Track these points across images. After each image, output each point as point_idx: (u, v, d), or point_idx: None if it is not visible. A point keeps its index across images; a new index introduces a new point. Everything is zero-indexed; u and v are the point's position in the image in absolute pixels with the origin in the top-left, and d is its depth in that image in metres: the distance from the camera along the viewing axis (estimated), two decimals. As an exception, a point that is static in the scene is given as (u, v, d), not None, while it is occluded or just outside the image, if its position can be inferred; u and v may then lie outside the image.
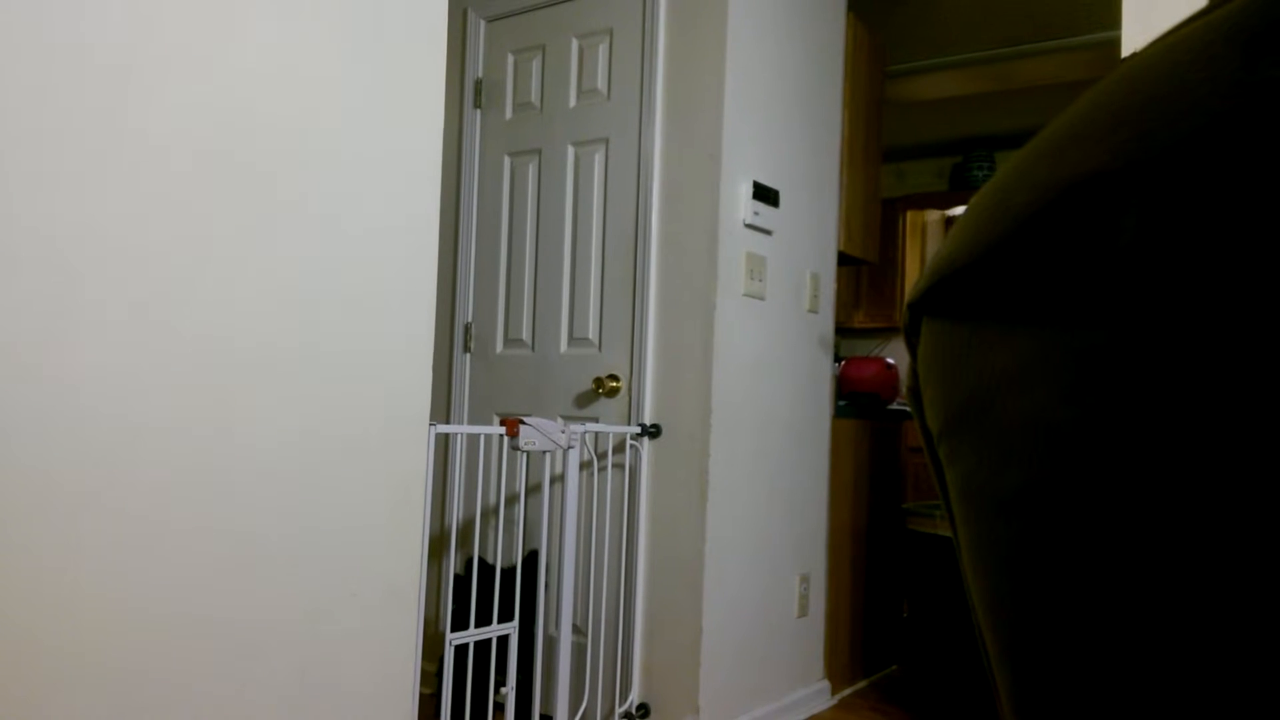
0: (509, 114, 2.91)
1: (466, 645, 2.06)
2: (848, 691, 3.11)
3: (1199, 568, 0.19)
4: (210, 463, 1.31)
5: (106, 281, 1.20)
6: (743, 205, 2.57)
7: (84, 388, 1.17)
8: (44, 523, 1.13)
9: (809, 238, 2.90)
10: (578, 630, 2.59)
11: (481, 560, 2.38)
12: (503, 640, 2.12)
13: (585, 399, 2.66)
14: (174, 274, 1.27)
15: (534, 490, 2.73)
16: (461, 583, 2.30)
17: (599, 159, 2.69)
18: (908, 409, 3.72)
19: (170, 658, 1.27)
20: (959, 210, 5.56)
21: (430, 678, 2.49)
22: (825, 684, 2.98)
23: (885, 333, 5.68)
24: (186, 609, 1.28)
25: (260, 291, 1.37)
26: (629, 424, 2.55)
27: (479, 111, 2.98)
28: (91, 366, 1.18)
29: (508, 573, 2.31)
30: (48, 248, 1.14)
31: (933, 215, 5.69)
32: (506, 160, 2.91)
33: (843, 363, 3.83)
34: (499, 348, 2.88)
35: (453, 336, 2.98)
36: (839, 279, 3.22)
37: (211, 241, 1.31)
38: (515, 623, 2.12)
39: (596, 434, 2.56)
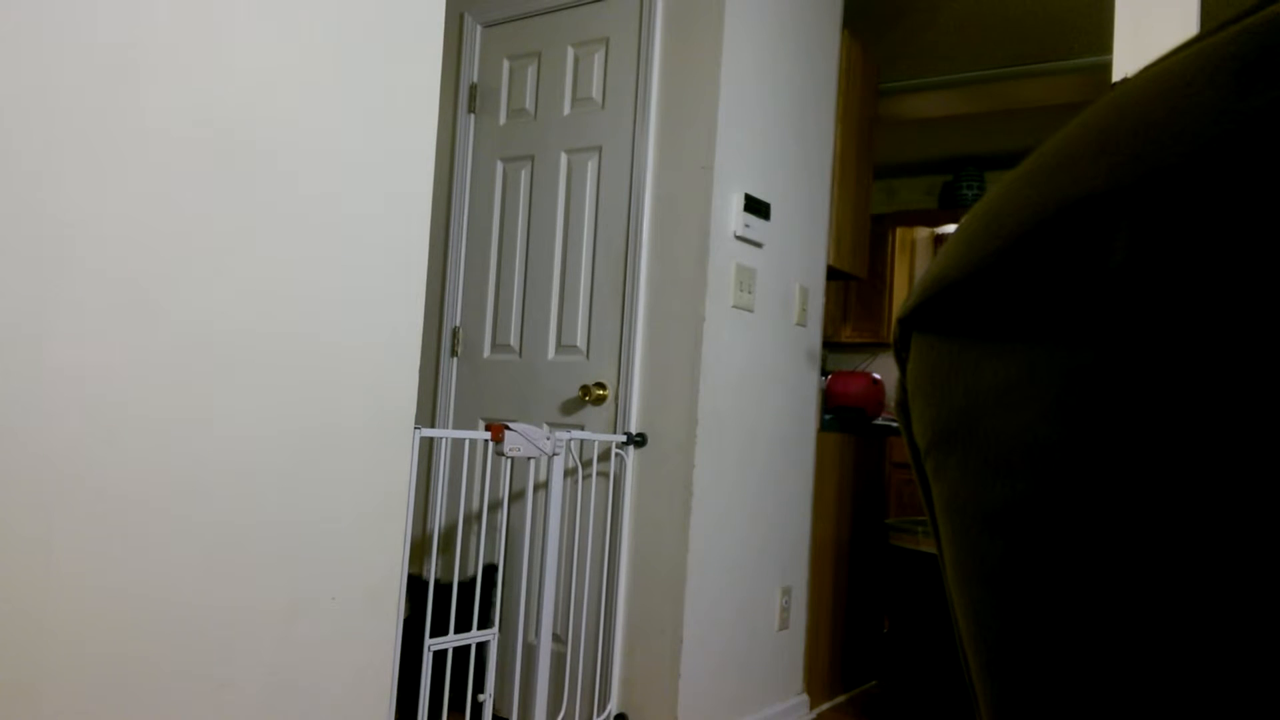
0: (503, 119, 2.91)
1: (445, 651, 2.05)
2: (826, 706, 3.11)
3: (1180, 585, 0.19)
4: (191, 456, 1.30)
5: (93, 274, 1.19)
6: (734, 217, 2.58)
7: (68, 379, 1.16)
8: (29, 511, 1.12)
9: (799, 251, 2.91)
10: (557, 638, 2.58)
11: (417, 578, 2.37)
12: (460, 648, 2.11)
13: (571, 406, 2.66)
14: (161, 268, 1.26)
15: (518, 497, 2.72)
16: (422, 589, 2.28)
17: (592, 167, 2.69)
18: (893, 424, 3.73)
19: (151, 649, 1.26)
20: (948, 228, 5.60)
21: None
22: (804, 698, 2.97)
23: (872, 348, 5.70)
24: (166, 601, 1.27)
25: (246, 288, 1.36)
26: (615, 432, 2.55)
27: (473, 116, 2.98)
28: (76, 358, 1.17)
29: (466, 585, 2.29)
30: (35, 239, 1.13)
31: (922, 232, 5.72)
32: (499, 165, 2.91)
33: (829, 377, 3.84)
34: (486, 352, 2.88)
35: (440, 340, 2.97)
36: (827, 293, 3.24)
37: (202, 237, 1.30)
38: (495, 629, 2.11)
39: (582, 442, 2.55)
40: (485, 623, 2.27)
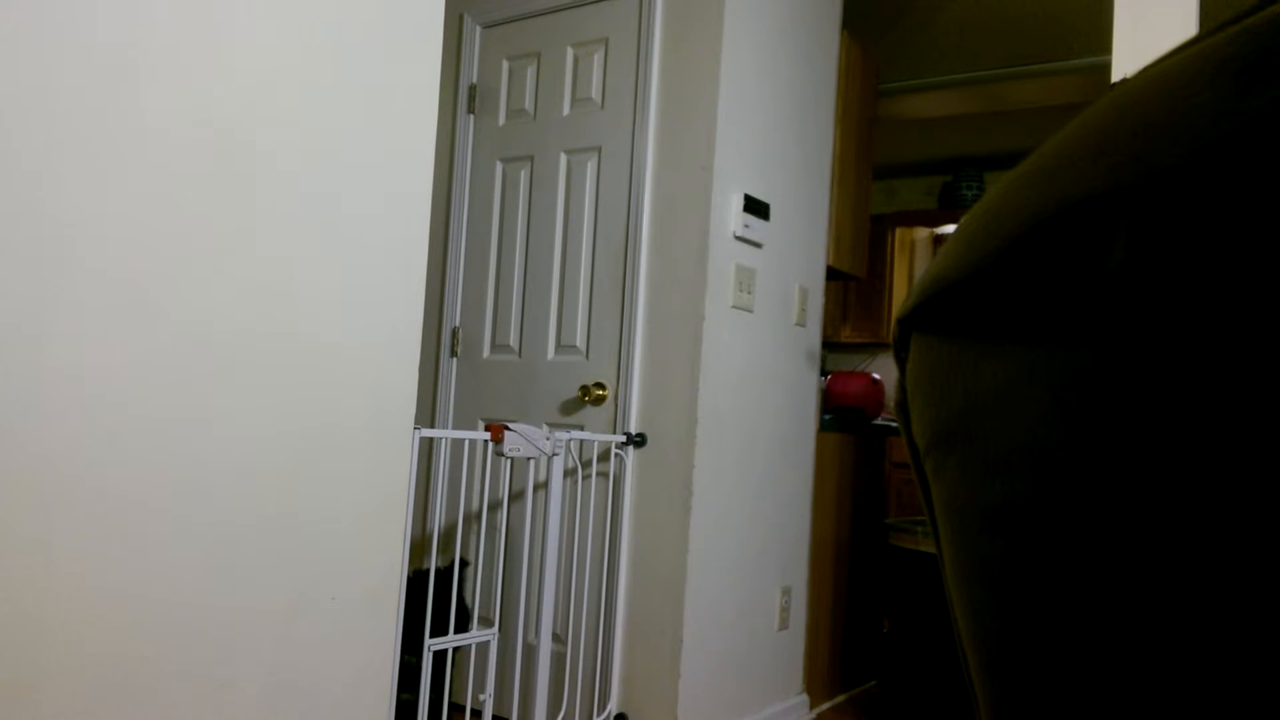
0: (502, 120, 2.91)
1: (445, 651, 2.05)
2: (826, 706, 3.11)
3: (1178, 586, 0.19)
4: (191, 456, 1.30)
5: (93, 274, 1.19)
6: (733, 217, 2.58)
7: (68, 379, 1.16)
8: (29, 511, 1.12)
9: (798, 251, 2.91)
10: (557, 638, 2.58)
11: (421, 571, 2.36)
12: (439, 651, 2.10)
13: (571, 406, 2.66)
14: (162, 268, 1.26)
15: (517, 497, 2.72)
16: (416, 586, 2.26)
17: (591, 167, 2.69)
18: (892, 424, 3.73)
19: (151, 649, 1.26)
20: (948, 228, 5.60)
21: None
22: (804, 698, 2.97)
23: (872, 348, 5.70)
24: (166, 601, 1.27)
25: (246, 288, 1.36)
26: (614, 432, 2.55)
27: (472, 116, 2.98)
28: (76, 358, 1.17)
29: (442, 574, 2.26)
30: (35, 239, 1.13)
31: (921, 233, 5.72)
32: (498, 166, 2.91)
33: (829, 377, 3.84)
34: (486, 353, 2.88)
35: (440, 340, 2.97)
36: (827, 293, 3.24)
37: (202, 237, 1.30)
38: (495, 629, 2.11)
39: (581, 442, 2.55)
40: (462, 620, 2.23)
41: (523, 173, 2.85)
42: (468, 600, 2.36)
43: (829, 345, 5.59)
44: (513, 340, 2.81)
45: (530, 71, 2.86)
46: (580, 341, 2.66)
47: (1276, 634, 0.17)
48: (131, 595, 1.24)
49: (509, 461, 2.68)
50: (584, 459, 2.57)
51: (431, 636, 1.99)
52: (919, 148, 5.45)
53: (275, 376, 1.40)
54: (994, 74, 4.03)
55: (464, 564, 2.33)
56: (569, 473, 2.57)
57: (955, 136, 5.19)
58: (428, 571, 2.27)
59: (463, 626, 2.23)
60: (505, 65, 2.92)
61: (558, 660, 2.54)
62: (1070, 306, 0.21)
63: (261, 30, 1.37)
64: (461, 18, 3.01)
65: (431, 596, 1.98)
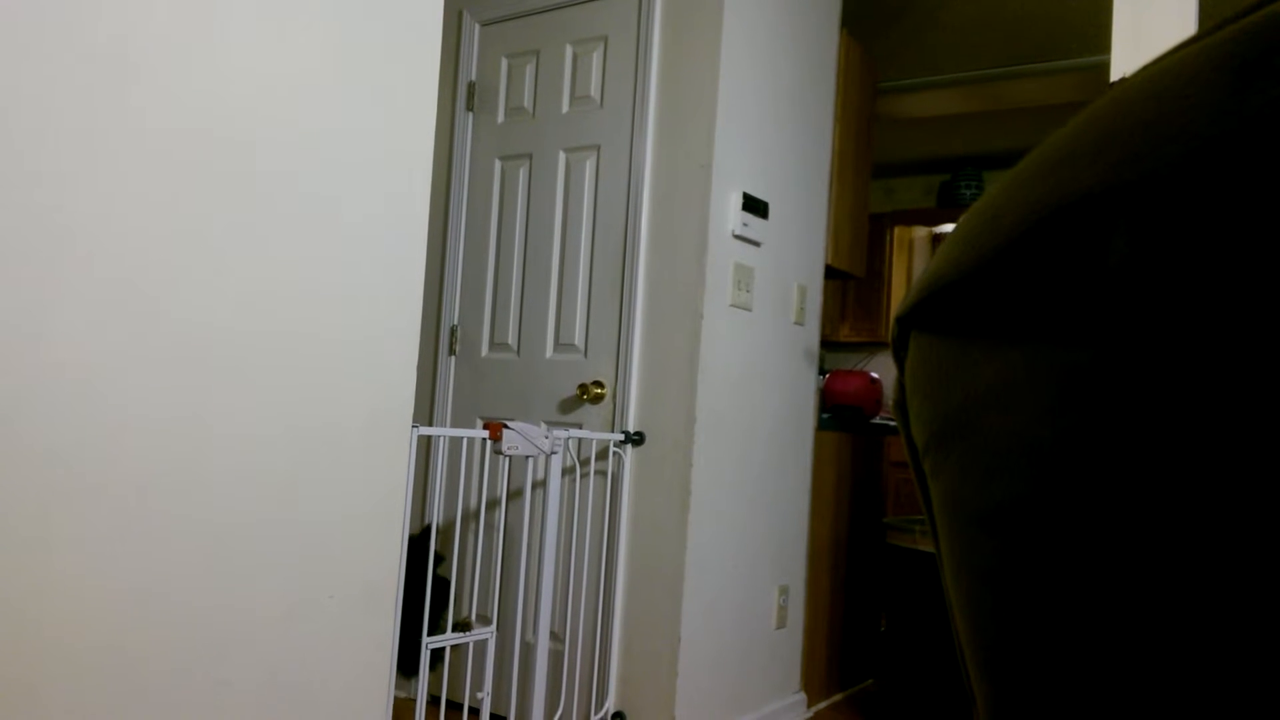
0: (501, 118, 2.91)
1: (442, 649, 2.05)
2: (824, 704, 3.11)
3: (1177, 586, 0.19)
4: (189, 456, 1.30)
5: (92, 274, 1.19)
6: (732, 216, 2.58)
7: (68, 378, 1.16)
8: (29, 511, 1.12)
9: (797, 250, 2.91)
10: (555, 637, 2.58)
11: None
12: (426, 647, 2.10)
13: (569, 405, 2.66)
14: (161, 268, 1.26)
15: (515, 495, 2.72)
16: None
17: (590, 165, 2.69)
18: (891, 423, 3.73)
19: (150, 648, 1.26)
20: (946, 227, 5.60)
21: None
22: (802, 696, 2.98)
23: (870, 347, 5.70)
24: (166, 601, 1.27)
25: (246, 288, 1.36)
26: (613, 431, 2.55)
27: (471, 114, 2.98)
28: (76, 358, 1.17)
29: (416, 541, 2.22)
30: (35, 239, 1.13)
31: (920, 232, 5.72)
32: (497, 164, 2.91)
33: (827, 375, 3.84)
34: (484, 351, 2.87)
35: (438, 338, 2.97)
36: (825, 292, 3.24)
37: (202, 236, 1.30)
38: (493, 627, 2.11)
39: (580, 440, 2.55)
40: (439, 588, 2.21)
41: (521, 171, 2.85)
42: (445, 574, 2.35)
43: (827, 344, 5.59)
44: (511, 338, 2.81)
45: (529, 69, 2.85)
46: (579, 340, 2.66)
47: (1275, 633, 0.17)
48: (130, 594, 1.24)
49: (507, 460, 2.68)
50: (582, 457, 2.57)
51: (409, 603, 1.99)
52: (918, 146, 5.45)
53: (275, 375, 1.40)
54: (993, 73, 4.03)
55: (425, 530, 2.29)
56: (567, 471, 2.57)
57: (954, 135, 5.19)
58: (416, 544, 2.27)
59: (441, 593, 2.23)
60: (504, 63, 2.92)
61: (555, 658, 2.54)
62: (1069, 305, 0.21)
63: (261, 29, 1.37)
64: (460, 15, 3.00)
65: (429, 596, 1.98)
